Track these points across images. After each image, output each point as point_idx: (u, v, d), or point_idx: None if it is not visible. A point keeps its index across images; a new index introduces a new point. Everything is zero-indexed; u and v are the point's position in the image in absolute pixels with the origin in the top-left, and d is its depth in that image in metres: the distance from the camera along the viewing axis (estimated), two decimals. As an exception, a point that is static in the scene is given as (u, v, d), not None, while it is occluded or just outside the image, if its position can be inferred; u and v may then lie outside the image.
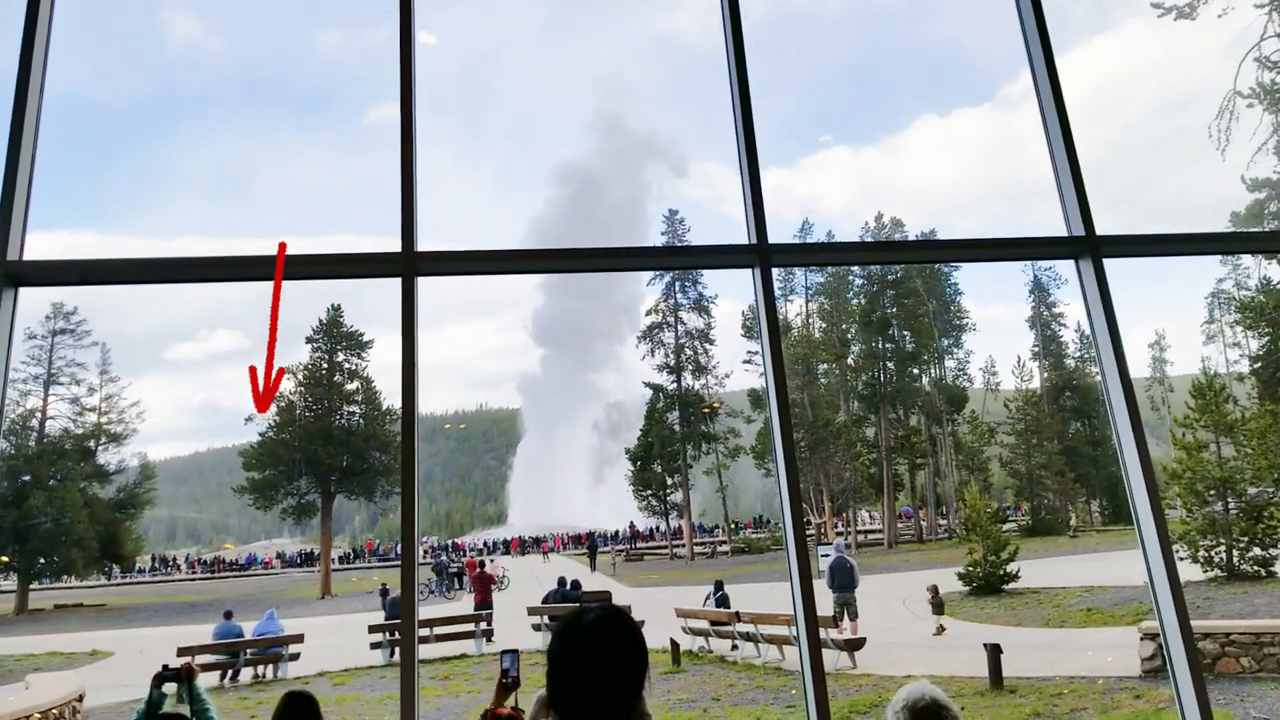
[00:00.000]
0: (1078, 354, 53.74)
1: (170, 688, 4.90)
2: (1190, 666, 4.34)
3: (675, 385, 53.25)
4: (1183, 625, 4.40)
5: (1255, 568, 22.32)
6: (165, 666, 5.00)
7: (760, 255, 4.90)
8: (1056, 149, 5.35)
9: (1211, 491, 23.46)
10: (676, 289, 54.54)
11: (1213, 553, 22.82)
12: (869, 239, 49.22)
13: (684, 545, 50.90)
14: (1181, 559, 21.00)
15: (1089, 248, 5.10)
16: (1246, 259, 47.53)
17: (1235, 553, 22.60)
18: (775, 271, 4.90)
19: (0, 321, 4.35)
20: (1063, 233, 5.25)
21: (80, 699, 14.78)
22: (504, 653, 3.27)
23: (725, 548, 51.45)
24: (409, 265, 4.57)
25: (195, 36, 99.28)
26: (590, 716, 2.03)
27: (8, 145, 4.49)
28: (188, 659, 5.49)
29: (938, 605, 20.06)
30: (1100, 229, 5.16)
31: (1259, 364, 41.56)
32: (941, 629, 19.69)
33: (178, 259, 4.67)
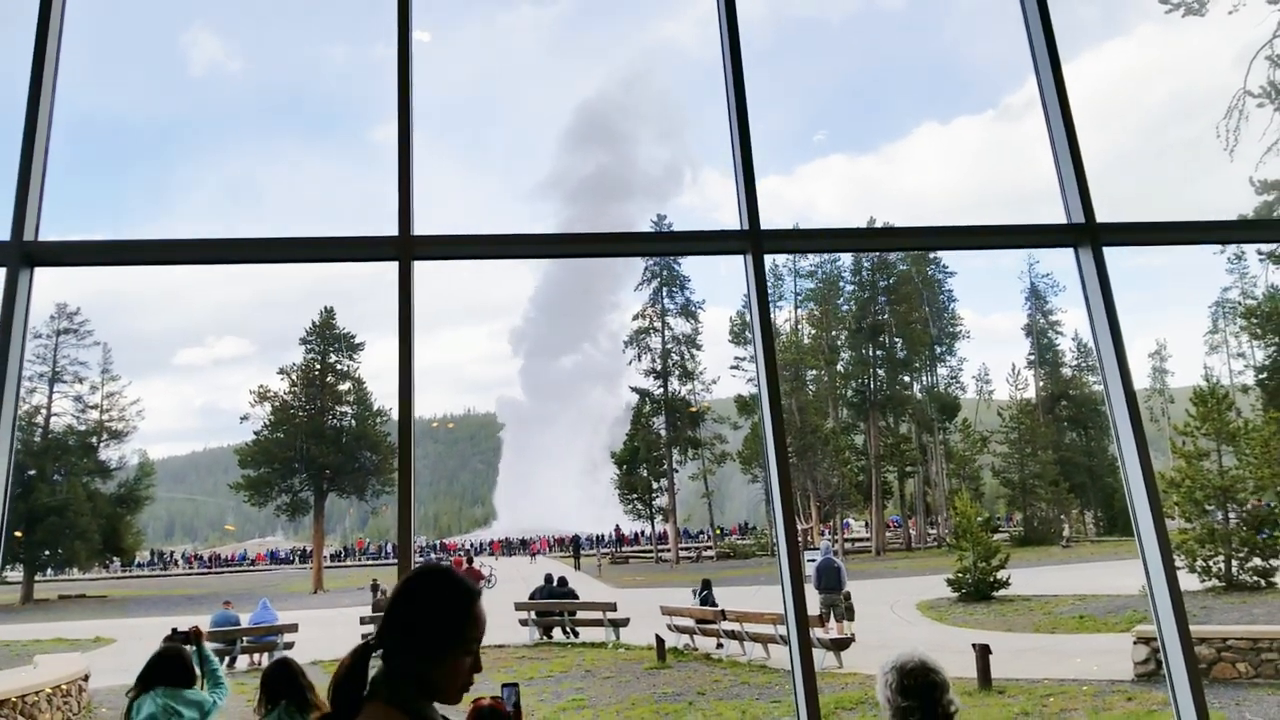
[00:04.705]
0: (1075, 362, 53.66)
1: None
2: (1188, 669, 4.27)
3: (661, 390, 53.40)
4: (1180, 627, 4.33)
5: (1255, 578, 22.25)
6: (174, 630, 5.25)
7: (752, 241, 4.80)
8: (1057, 134, 5.21)
9: (1211, 501, 23.40)
10: (664, 294, 54.76)
11: (1211, 562, 22.71)
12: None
13: (669, 549, 51.00)
14: (1179, 569, 20.75)
15: (1089, 236, 4.96)
16: (1254, 266, 47.23)
17: (1235, 563, 22.51)
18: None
19: (18, 302, 4.36)
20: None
21: (86, 679, 15.14)
22: (504, 686, 3.43)
23: (710, 552, 51.41)
24: (405, 249, 4.54)
25: (216, 57, 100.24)
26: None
27: (24, 127, 4.55)
28: (195, 624, 5.73)
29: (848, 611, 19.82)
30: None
31: (1264, 374, 41.20)
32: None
33: (188, 240, 4.74)
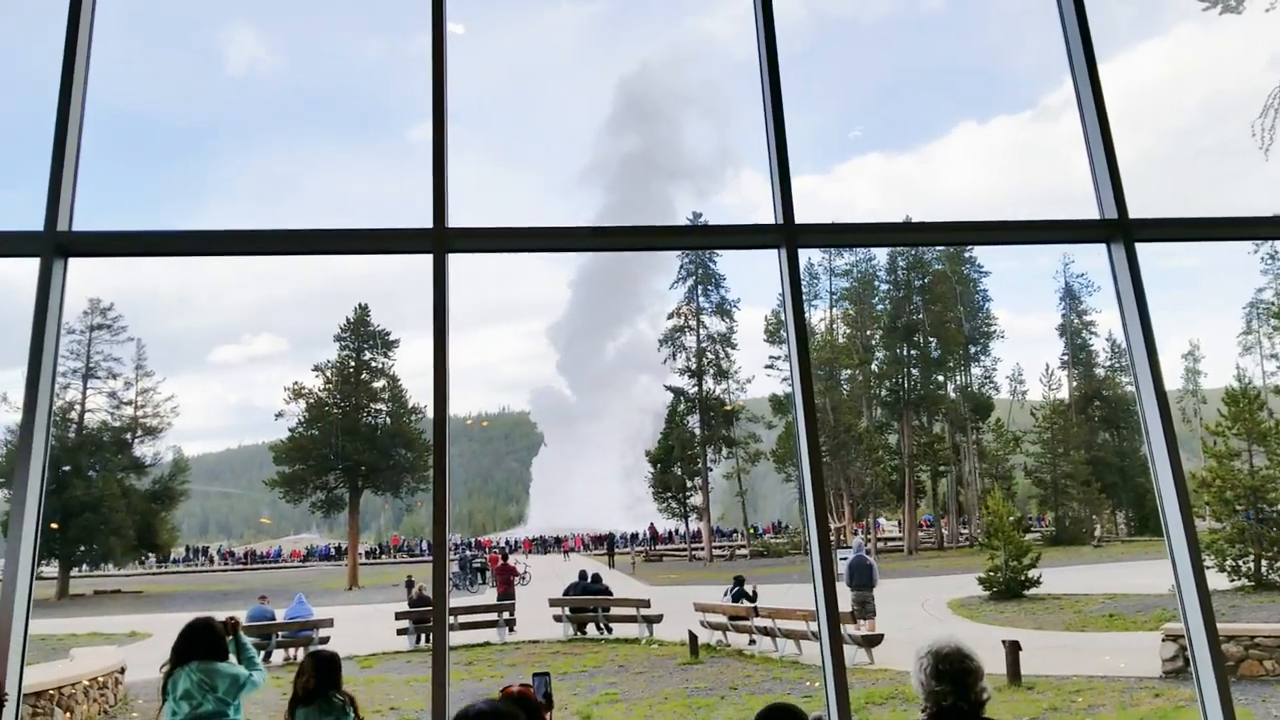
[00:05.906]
0: (1109, 363, 53.21)
1: None
2: (1214, 665, 4.30)
3: (696, 388, 53.36)
4: (1208, 624, 4.35)
5: (1285, 578, 22.03)
6: (212, 618, 5.36)
7: (786, 235, 4.83)
8: (1091, 130, 5.21)
9: (1241, 502, 23.20)
10: (699, 293, 54.60)
11: (1241, 562, 22.55)
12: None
13: (703, 548, 51.03)
14: (1208, 568, 20.62)
15: (1121, 231, 4.96)
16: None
17: (1264, 562, 22.35)
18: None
19: (53, 292, 4.40)
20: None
21: (122, 671, 15.31)
22: (535, 675, 3.45)
23: (744, 551, 51.47)
24: (440, 241, 4.60)
25: (254, 54, 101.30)
26: None
27: (56, 116, 4.58)
28: (231, 615, 5.85)
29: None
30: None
31: (1298, 376, 40.75)
32: None
33: (222, 231, 4.73)
